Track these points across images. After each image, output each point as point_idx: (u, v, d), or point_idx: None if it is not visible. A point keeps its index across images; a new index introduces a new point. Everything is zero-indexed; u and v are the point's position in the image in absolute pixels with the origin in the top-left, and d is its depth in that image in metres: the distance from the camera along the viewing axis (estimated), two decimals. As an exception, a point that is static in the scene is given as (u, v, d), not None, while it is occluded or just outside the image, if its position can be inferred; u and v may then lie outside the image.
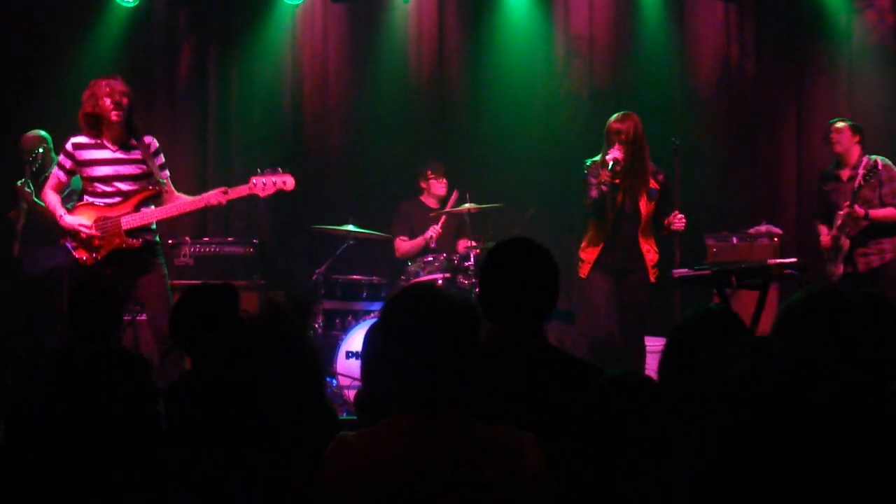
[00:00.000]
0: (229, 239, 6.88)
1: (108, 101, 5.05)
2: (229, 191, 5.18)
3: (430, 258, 6.33)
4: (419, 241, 6.61)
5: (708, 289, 6.08)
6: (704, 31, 7.40)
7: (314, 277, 6.58)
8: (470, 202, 6.41)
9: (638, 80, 7.41)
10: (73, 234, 5.08)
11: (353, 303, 6.65)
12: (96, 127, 5.09)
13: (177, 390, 2.83)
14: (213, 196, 5.17)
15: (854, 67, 7.16)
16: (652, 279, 5.56)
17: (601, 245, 5.49)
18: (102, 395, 2.72)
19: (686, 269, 5.50)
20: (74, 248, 5.09)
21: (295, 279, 7.04)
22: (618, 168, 5.30)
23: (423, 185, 6.80)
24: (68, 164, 5.17)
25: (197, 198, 5.22)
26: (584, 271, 5.57)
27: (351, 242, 6.54)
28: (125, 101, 5.08)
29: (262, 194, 5.18)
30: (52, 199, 5.19)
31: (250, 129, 7.51)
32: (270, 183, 5.15)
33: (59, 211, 5.12)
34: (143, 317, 6.25)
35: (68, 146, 5.16)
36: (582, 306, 5.76)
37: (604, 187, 5.33)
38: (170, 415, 2.64)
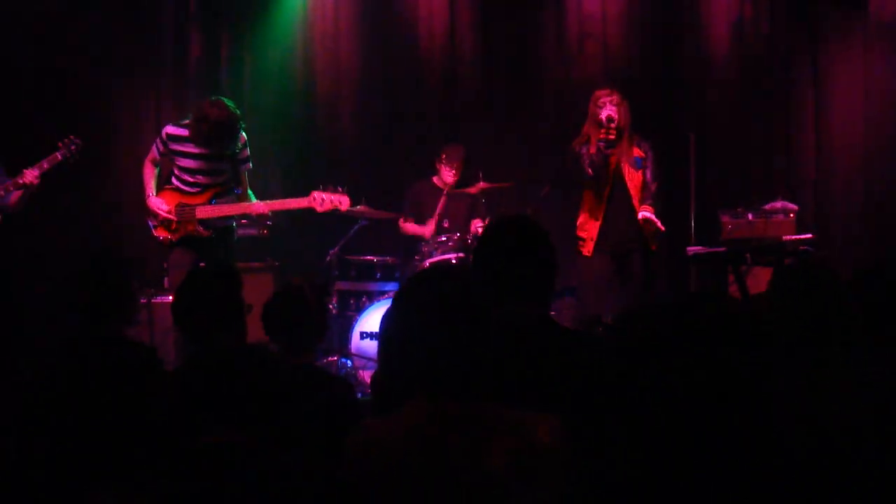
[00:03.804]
0: (243, 221, 6.87)
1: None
2: (289, 201, 5.55)
3: (444, 238, 6.31)
4: (420, 229, 6.56)
5: (723, 266, 6.04)
6: (718, 3, 7.31)
7: (328, 258, 6.58)
8: (483, 181, 6.38)
9: (651, 57, 7.34)
10: (154, 214, 5.46)
11: (367, 283, 6.65)
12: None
13: (182, 375, 2.82)
14: (266, 205, 5.47)
15: (869, 41, 7.04)
16: (653, 247, 5.54)
17: (600, 218, 5.50)
18: (105, 385, 2.70)
19: (700, 247, 5.46)
20: (154, 227, 5.52)
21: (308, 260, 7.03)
22: (613, 125, 5.34)
23: (438, 165, 6.76)
24: (161, 148, 5.46)
25: (263, 203, 5.50)
26: (588, 249, 5.56)
27: (364, 223, 6.54)
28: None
29: (318, 209, 5.47)
30: (146, 173, 5.55)
31: (262, 112, 7.48)
32: (329, 200, 5.43)
33: (148, 190, 5.52)
34: (159, 299, 6.30)
35: (163, 134, 5.46)
36: (579, 285, 5.75)
37: (601, 145, 5.35)
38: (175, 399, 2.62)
